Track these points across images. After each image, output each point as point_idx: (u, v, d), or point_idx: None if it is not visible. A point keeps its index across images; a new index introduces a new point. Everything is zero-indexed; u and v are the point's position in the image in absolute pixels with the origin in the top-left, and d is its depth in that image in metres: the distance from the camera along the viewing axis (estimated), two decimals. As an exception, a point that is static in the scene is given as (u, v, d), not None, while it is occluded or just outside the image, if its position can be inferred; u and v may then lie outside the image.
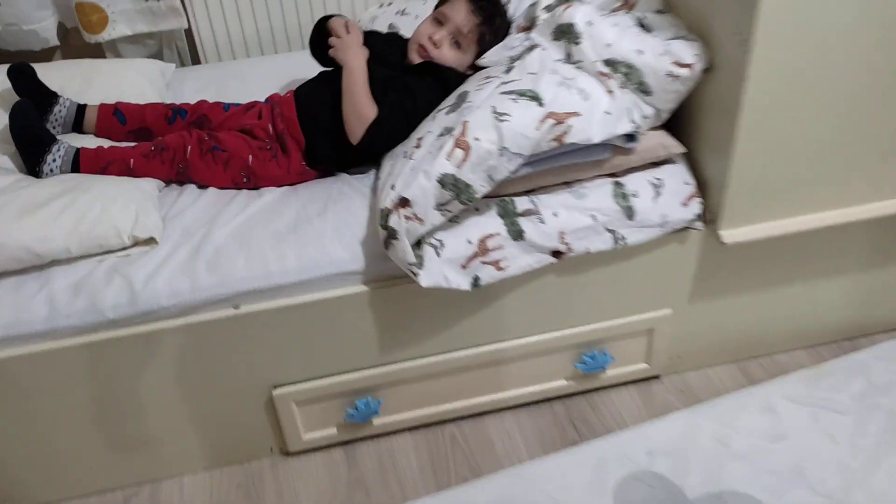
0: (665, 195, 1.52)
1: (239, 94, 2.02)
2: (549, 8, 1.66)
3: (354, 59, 1.66)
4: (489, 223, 1.48)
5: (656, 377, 1.84)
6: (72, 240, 1.46)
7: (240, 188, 1.70)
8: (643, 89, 1.46)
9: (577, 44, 1.49)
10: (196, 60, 2.39)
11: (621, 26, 1.49)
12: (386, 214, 1.41)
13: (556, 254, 1.51)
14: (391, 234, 1.39)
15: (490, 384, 1.72)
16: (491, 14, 1.73)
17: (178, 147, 1.67)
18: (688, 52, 1.43)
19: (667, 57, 1.43)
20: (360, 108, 1.61)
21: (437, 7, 1.80)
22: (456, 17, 1.71)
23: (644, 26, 1.54)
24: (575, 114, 1.41)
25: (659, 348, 1.75)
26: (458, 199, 1.39)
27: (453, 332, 1.61)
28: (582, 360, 1.72)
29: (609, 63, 1.47)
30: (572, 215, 1.50)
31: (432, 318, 1.58)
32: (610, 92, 1.45)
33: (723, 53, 1.40)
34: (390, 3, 2.18)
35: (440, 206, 1.40)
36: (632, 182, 1.52)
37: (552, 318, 1.65)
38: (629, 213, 1.50)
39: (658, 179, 1.53)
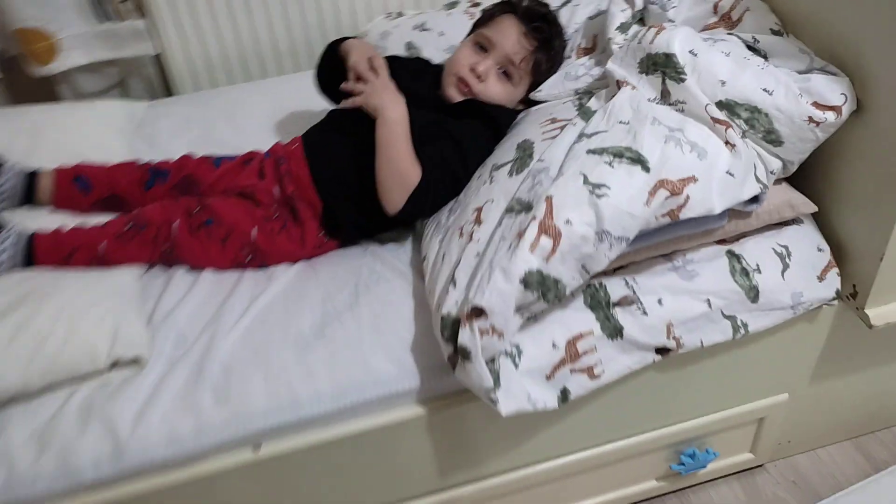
0: (795, 267, 1.20)
1: (228, 136, 1.66)
2: (623, 28, 1.31)
3: (392, 109, 1.29)
4: (577, 319, 1.14)
5: (760, 466, 1.54)
6: (31, 373, 1.10)
7: (243, 268, 1.34)
8: (772, 139, 1.12)
9: (679, 81, 1.15)
10: (169, 91, 2.00)
11: (735, 56, 1.15)
12: (453, 326, 1.06)
13: (662, 351, 1.18)
14: (463, 354, 1.05)
15: (563, 496, 1.40)
16: (548, 37, 1.38)
17: (162, 223, 1.30)
18: (833, 89, 1.09)
19: (805, 98, 1.09)
20: (401, 170, 1.26)
21: (476, 27, 1.44)
22: (505, 43, 1.35)
23: (759, 53, 1.20)
24: (692, 179, 1.07)
25: (768, 436, 1.44)
26: (544, 298, 1.05)
27: (526, 446, 1.28)
28: (680, 461, 1.40)
29: (725, 106, 1.13)
30: (681, 301, 1.17)
31: (503, 434, 1.25)
32: (729, 145, 1.11)
33: (878, 88, 1.07)
34: (400, 15, 1.81)
35: (519, 309, 1.06)
36: (751, 252, 1.19)
37: (647, 418, 1.33)
38: (753, 294, 1.18)
39: (783, 247, 1.20)
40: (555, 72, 1.40)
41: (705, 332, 1.18)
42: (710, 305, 1.17)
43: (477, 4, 1.65)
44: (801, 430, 1.49)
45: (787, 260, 1.19)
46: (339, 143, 1.37)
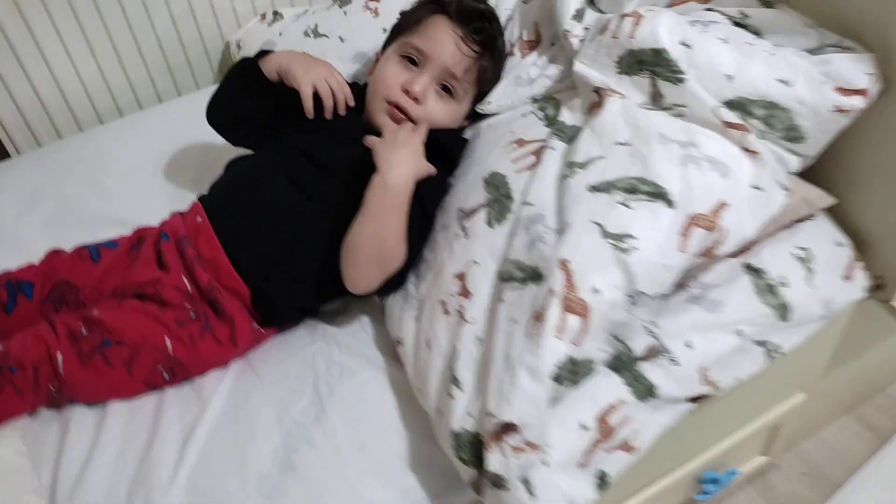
0: (820, 271, 1.04)
1: (95, 205, 1.33)
2: (578, 16, 1.08)
3: (402, 172, 1.00)
4: (604, 387, 0.93)
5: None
6: None
7: (161, 389, 1.04)
8: (792, 136, 0.94)
9: (676, 82, 0.94)
10: (3, 153, 1.59)
11: (736, 42, 0.95)
12: (473, 448, 0.83)
13: (698, 398, 1.00)
14: (494, 482, 0.82)
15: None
16: (491, 38, 1.13)
17: (39, 359, 0.97)
18: (857, 70, 0.92)
19: (828, 84, 0.92)
20: (387, 249, 0.99)
21: (397, 34, 1.16)
22: (441, 53, 1.10)
23: (749, 31, 1.02)
24: (722, 206, 0.88)
25: (783, 437, 1.33)
26: (574, 382, 0.84)
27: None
28: (702, 490, 1.26)
29: (736, 105, 0.93)
30: (711, 339, 0.98)
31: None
32: (749, 152, 0.93)
33: (904, 63, 0.91)
34: (277, 15, 1.49)
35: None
36: (771, 262, 1.02)
37: (665, 461, 1.17)
38: (783, 312, 1.01)
39: (803, 249, 1.04)
40: (501, 76, 1.16)
41: (740, 365, 1.02)
42: (741, 336, 1.00)
43: (379, -3, 1.37)
44: (806, 419, 1.38)
45: (809, 264, 1.04)
46: (265, 203, 1.08)
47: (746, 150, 0.92)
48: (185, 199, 1.30)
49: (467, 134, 1.17)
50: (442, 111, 1.11)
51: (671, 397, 0.97)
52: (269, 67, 1.12)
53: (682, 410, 1.00)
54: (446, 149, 1.09)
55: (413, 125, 1.08)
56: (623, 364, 0.94)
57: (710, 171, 0.89)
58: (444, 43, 1.09)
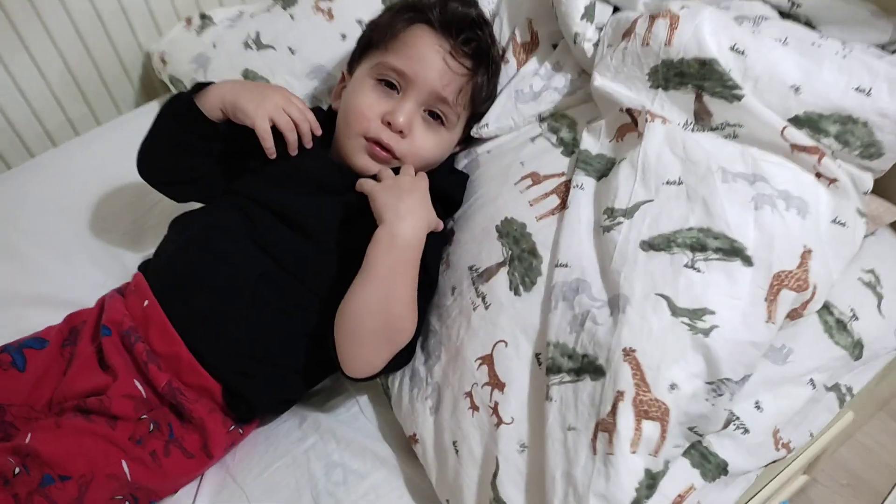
0: (888, 294, 0.89)
1: (2, 277, 1.07)
2: (589, 14, 0.89)
3: (413, 224, 0.81)
4: (672, 475, 0.77)
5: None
6: None
7: (124, 519, 0.84)
8: (871, 153, 0.77)
9: (732, 100, 0.76)
10: None
11: (798, 43, 0.77)
12: None
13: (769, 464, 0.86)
14: None
15: None
16: (484, 49, 0.92)
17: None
18: (949, 68, 0.75)
19: (917, 89, 0.75)
20: (397, 319, 0.80)
21: (367, 50, 0.94)
22: (426, 74, 0.89)
23: (807, 24, 0.84)
24: (808, 254, 0.71)
25: (827, 455, 1.21)
26: (650, 496, 0.68)
27: None
28: (753, 529, 1.13)
29: (805, 123, 0.76)
30: (783, 395, 0.83)
31: None
32: (824, 179, 0.76)
33: None
34: (206, 19, 1.24)
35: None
36: (838, 294, 0.86)
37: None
38: (857, 351, 0.87)
39: (869, 272, 0.89)
40: (495, 90, 0.96)
41: (812, 418, 0.87)
42: (814, 385, 0.85)
43: (330, -8, 1.13)
44: (849, 431, 1.27)
45: (878, 289, 0.89)
46: (230, 277, 0.87)
47: (820, 175, 0.75)
48: (119, 261, 1.09)
49: (461, 162, 0.97)
50: (432, 143, 0.91)
51: (743, 471, 0.82)
52: (209, 106, 0.89)
53: (752, 479, 0.86)
54: (448, 196, 0.90)
55: (408, 168, 0.88)
56: (691, 444, 0.78)
57: (787, 211, 0.72)
58: (430, 61, 0.88)
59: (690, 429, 0.70)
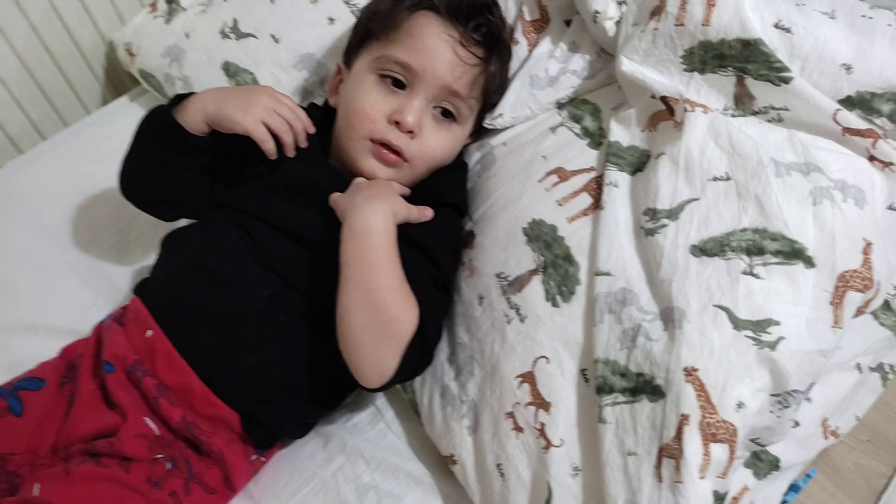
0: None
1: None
2: (606, -15, 0.81)
3: (370, 211, 0.75)
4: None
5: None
6: None
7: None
8: (924, 126, 0.73)
9: (779, 83, 0.70)
10: None
11: (845, 17, 0.71)
12: None
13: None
14: None
15: None
16: (495, 34, 0.85)
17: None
18: None
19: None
20: (388, 312, 0.73)
21: (367, 40, 0.86)
22: (435, 67, 0.81)
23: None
24: (869, 248, 0.67)
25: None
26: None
27: None
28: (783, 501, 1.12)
29: (857, 104, 0.71)
30: (830, 383, 0.80)
31: None
32: (879, 162, 0.71)
33: None
34: (172, 4, 1.13)
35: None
36: (879, 271, 0.84)
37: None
38: (899, 328, 0.84)
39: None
40: (506, 77, 0.88)
41: (857, 401, 0.85)
42: (860, 369, 0.82)
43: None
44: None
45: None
46: (237, 299, 0.81)
47: (874, 159, 0.70)
48: (106, 278, 1.01)
49: (474, 156, 0.90)
50: (443, 142, 0.84)
51: (794, 464, 0.79)
52: (191, 120, 0.81)
53: (799, 469, 0.83)
54: (460, 205, 0.83)
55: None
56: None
57: (844, 203, 0.67)
58: (439, 52, 0.80)
59: (753, 440, 0.66)
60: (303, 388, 0.82)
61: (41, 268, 1.01)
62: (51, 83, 1.19)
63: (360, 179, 0.82)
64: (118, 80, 1.27)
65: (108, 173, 1.07)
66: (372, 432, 0.87)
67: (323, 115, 0.90)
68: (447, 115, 0.84)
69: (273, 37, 1.00)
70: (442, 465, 0.82)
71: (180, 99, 0.83)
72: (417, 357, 0.77)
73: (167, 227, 0.93)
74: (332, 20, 0.99)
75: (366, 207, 0.75)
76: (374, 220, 0.74)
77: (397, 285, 0.74)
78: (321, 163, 0.86)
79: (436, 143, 0.83)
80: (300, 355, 0.81)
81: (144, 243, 1.04)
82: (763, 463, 0.76)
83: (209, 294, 0.81)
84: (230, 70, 1.01)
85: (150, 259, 1.02)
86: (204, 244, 0.85)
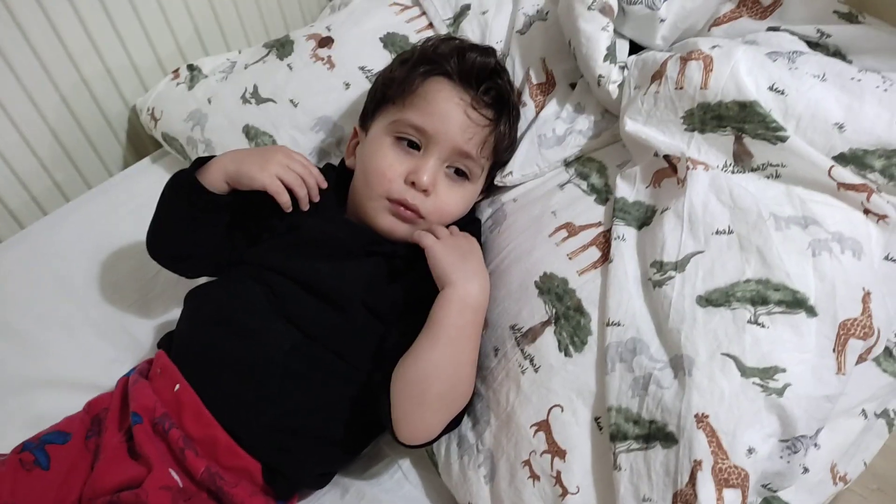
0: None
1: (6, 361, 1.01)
2: (611, 55, 0.86)
3: (481, 286, 0.80)
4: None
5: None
6: None
7: None
8: (913, 180, 0.76)
9: (776, 141, 0.74)
10: None
11: (836, 79, 0.76)
12: None
13: (827, 498, 0.85)
14: None
15: None
16: (504, 97, 0.90)
17: None
18: None
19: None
20: (461, 382, 0.78)
21: (381, 102, 0.91)
22: (447, 130, 0.85)
23: (828, 52, 0.83)
24: (867, 297, 0.70)
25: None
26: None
27: None
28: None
29: (850, 160, 0.75)
30: (838, 430, 0.81)
31: None
32: (873, 216, 0.74)
33: None
34: (194, 70, 1.19)
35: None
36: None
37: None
38: (903, 374, 0.86)
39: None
40: (515, 137, 0.93)
41: (864, 447, 0.86)
42: (865, 416, 0.84)
43: (328, 42, 1.09)
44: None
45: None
46: (262, 354, 0.83)
47: (869, 212, 0.74)
48: (128, 334, 1.04)
49: (485, 212, 0.94)
50: (457, 199, 0.88)
51: (804, 509, 0.81)
52: (212, 180, 0.86)
53: (812, 514, 0.85)
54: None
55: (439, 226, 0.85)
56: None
57: (842, 254, 0.71)
58: (451, 116, 0.85)
59: (765, 486, 0.68)
60: (324, 436, 0.85)
61: (65, 324, 1.04)
62: (75, 147, 1.24)
63: (451, 229, 0.86)
64: (139, 144, 1.32)
65: (129, 232, 1.12)
66: (389, 482, 0.89)
67: (339, 175, 0.94)
68: (460, 173, 0.88)
69: (291, 101, 1.05)
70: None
71: (201, 162, 0.88)
72: (455, 425, 0.81)
73: (188, 285, 0.96)
74: (347, 85, 1.04)
75: (480, 282, 0.80)
76: (483, 298, 0.79)
77: (475, 362, 0.79)
78: (339, 218, 0.90)
79: (450, 200, 0.87)
80: (322, 404, 0.84)
81: (166, 300, 1.07)
82: (774, 510, 0.77)
83: (233, 347, 0.84)
84: (250, 133, 1.06)
85: (171, 315, 1.06)
86: (227, 299, 0.88)
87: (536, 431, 0.75)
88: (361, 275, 0.86)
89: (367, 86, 1.02)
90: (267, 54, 1.12)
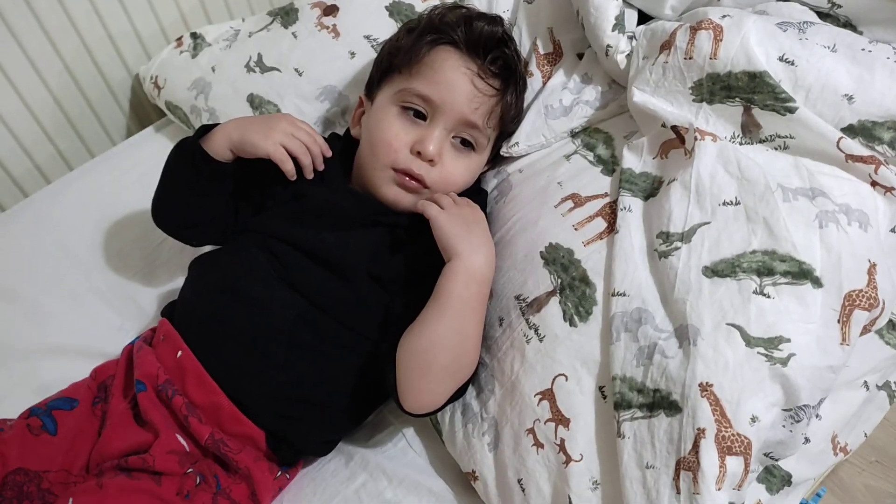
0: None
1: (12, 326, 1.02)
2: (619, 25, 0.86)
3: (487, 256, 0.80)
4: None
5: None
6: None
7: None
8: (922, 152, 0.76)
9: (784, 112, 0.74)
10: None
11: (846, 50, 0.75)
12: None
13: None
14: None
15: None
16: (511, 65, 0.89)
17: None
18: None
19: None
20: (465, 354, 0.78)
21: (387, 72, 0.90)
22: (454, 99, 0.85)
23: (839, 22, 0.82)
24: (873, 269, 0.70)
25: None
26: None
27: None
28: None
29: (858, 131, 0.74)
30: (840, 401, 0.83)
31: None
32: (881, 188, 0.74)
33: None
34: (197, 39, 1.18)
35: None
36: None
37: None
38: (906, 347, 0.87)
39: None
40: (522, 108, 0.92)
41: (865, 418, 0.87)
42: (867, 387, 0.85)
43: (333, 10, 1.08)
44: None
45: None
46: (266, 321, 0.84)
47: (876, 185, 0.74)
48: (133, 302, 1.04)
49: (491, 182, 0.94)
50: (462, 169, 0.88)
51: (805, 480, 0.82)
52: (216, 147, 0.85)
53: (811, 484, 0.86)
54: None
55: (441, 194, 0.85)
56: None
57: (849, 226, 0.71)
58: (457, 85, 0.84)
59: (767, 454, 0.69)
60: (329, 405, 0.85)
61: (69, 292, 1.04)
62: (79, 115, 1.24)
63: (453, 196, 0.85)
64: (142, 113, 1.31)
65: (133, 201, 1.12)
66: (393, 450, 0.89)
67: (344, 145, 0.94)
68: (466, 144, 0.87)
69: (296, 70, 1.04)
70: (462, 481, 0.85)
71: (205, 130, 0.87)
72: (460, 394, 0.81)
73: (192, 253, 0.97)
74: (352, 54, 1.03)
75: (486, 254, 0.79)
76: (488, 270, 0.79)
77: (481, 333, 0.80)
78: (344, 188, 0.90)
79: (455, 171, 0.87)
80: (327, 373, 0.84)
81: (170, 268, 1.07)
82: (776, 478, 0.78)
83: (238, 315, 0.84)
84: (255, 102, 1.05)
85: (176, 283, 1.06)
86: (232, 267, 0.88)
87: (541, 400, 0.75)
88: (366, 244, 0.86)
89: (373, 55, 1.01)
90: (271, 22, 1.11)
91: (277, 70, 1.05)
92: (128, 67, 1.25)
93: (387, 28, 1.03)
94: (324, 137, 0.92)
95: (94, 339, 0.98)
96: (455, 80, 0.84)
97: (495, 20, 0.89)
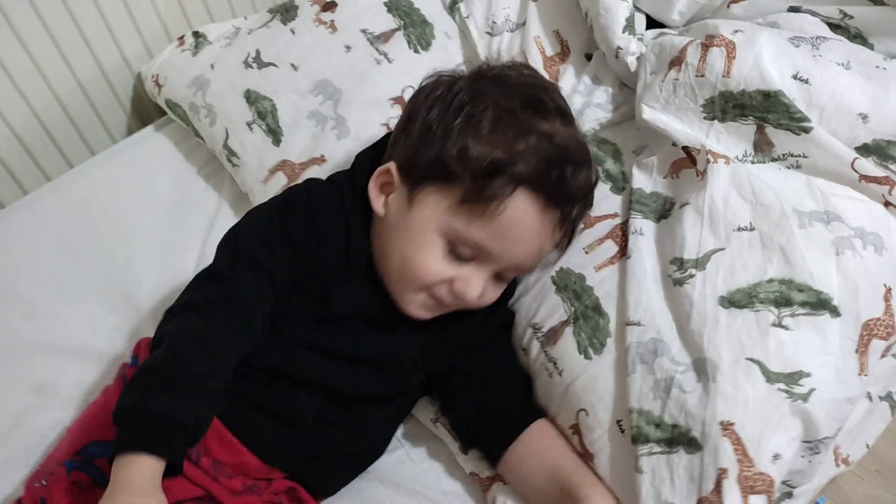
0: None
1: (16, 328, 0.98)
2: (630, 26, 0.83)
3: None
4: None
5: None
6: None
7: None
8: (935, 173, 0.75)
9: (799, 132, 0.72)
10: None
11: (860, 67, 0.73)
12: None
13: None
14: None
15: None
16: (587, 210, 0.80)
17: None
18: None
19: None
20: None
21: (440, 174, 0.73)
22: (515, 255, 0.74)
23: (849, 35, 0.80)
24: (889, 294, 0.69)
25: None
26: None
27: None
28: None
29: (872, 151, 0.73)
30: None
31: None
32: (891, 207, 0.73)
33: None
34: (198, 38, 1.15)
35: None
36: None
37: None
38: (910, 355, 0.87)
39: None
40: None
41: (867, 429, 0.87)
42: (870, 398, 0.85)
43: (332, 6, 1.05)
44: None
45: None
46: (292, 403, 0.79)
47: (889, 205, 0.73)
48: (131, 302, 1.01)
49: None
50: (497, 294, 0.78)
51: (806, 491, 0.82)
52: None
53: (811, 495, 0.86)
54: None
55: None
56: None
57: (864, 250, 0.70)
58: (525, 244, 0.73)
59: (785, 482, 0.69)
60: (360, 454, 0.85)
61: (67, 291, 1.02)
62: (79, 113, 1.22)
63: None
64: (143, 111, 1.29)
65: (132, 200, 1.11)
66: (389, 458, 0.88)
67: (364, 208, 0.80)
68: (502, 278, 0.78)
69: (293, 65, 1.02)
70: (463, 490, 0.84)
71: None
72: None
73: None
74: (348, 48, 1.01)
75: None
76: None
77: None
78: (368, 286, 0.79)
79: (489, 298, 0.77)
80: (358, 432, 0.83)
81: (170, 268, 1.05)
82: (779, 492, 0.79)
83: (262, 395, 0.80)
84: (251, 98, 1.03)
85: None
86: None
87: (573, 434, 0.74)
88: (412, 344, 0.80)
89: (368, 48, 0.99)
90: (271, 19, 1.09)
91: (274, 66, 1.03)
92: (130, 67, 1.24)
93: (385, 23, 1.02)
94: (328, 180, 0.84)
95: (92, 339, 0.97)
96: (526, 239, 0.73)
97: (589, 163, 0.75)
